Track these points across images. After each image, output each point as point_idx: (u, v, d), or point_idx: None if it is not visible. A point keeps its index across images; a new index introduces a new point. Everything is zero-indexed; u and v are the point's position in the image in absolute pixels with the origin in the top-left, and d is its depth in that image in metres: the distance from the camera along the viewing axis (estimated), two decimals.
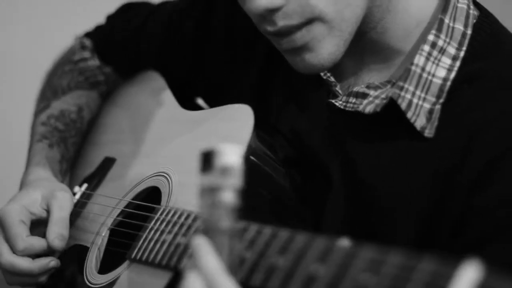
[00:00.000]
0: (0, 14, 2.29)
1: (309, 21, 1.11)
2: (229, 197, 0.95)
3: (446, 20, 1.17)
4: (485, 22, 1.19)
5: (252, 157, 1.18)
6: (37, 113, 1.59)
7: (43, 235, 1.35)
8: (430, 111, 1.15)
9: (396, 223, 1.15)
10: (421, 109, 1.15)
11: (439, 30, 1.17)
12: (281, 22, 1.12)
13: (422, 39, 1.18)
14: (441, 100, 1.15)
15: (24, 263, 1.33)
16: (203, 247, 0.95)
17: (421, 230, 1.13)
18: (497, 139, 1.10)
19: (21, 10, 2.30)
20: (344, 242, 0.90)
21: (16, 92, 1.94)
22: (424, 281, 0.79)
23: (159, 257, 1.16)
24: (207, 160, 0.98)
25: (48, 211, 1.37)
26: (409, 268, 0.81)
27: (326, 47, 1.14)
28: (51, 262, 1.34)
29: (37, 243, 1.34)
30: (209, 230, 0.97)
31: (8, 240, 1.34)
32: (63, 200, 1.37)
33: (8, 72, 2.23)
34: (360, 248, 0.87)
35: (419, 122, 1.14)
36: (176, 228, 1.17)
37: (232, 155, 0.96)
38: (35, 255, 1.35)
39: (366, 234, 1.16)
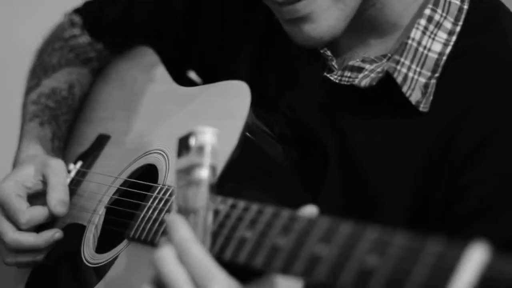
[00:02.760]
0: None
1: None
2: (205, 174, 0.99)
3: None
4: None
5: (249, 134, 1.17)
6: (28, 91, 1.57)
7: (43, 205, 1.34)
8: (426, 86, 1.15)
9: (390, 197, 1.15)
10: (417, 83, 1.15)
11: (436, 4, 1.17)
12: None
13: (419, 13, 1.18)
14: (437, 75, 1.15)
15: (30, 238, 1.32)
16: (177, 221, 0.99)
17: (414, 204, 1.13)
18: (489, 116, 1.10)
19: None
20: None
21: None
22: (431, 263, 0.79)
23: (157, 236, 1.15)
24: (184, 143, 1.02)
25: (44, 182, 1.36)
26: (416, 249, 0.81)
27: (327, 19, 1.13)
28: (56, 233, 1.34)
29: (39, 212, 1.33)
30: (185, 208, 1.00)
31: (10, 217, 1.33)
32: (57, 167, 1.36)
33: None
34: (365, 229, 0.87)
35: (414, 97, 1.14)
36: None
37: (207, 135, 0.99)
38: (38, 228, 1.34)
39: (361, 210, 1.17)
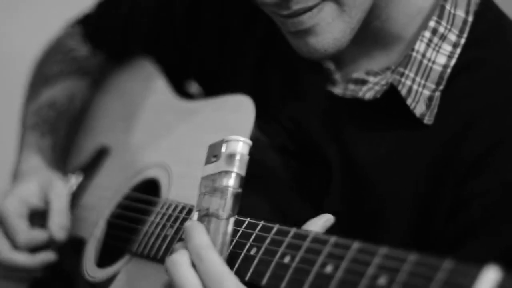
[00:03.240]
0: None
1: None
2: (232, 182, 0.98)
3: (447, 7, 1.16)
4: (487, 9, 1.18)
5: (252, 149, 1.16)
6: (28, 102, 1.57)
7: (42, 226, 1.33)
8: (430, 98, 1.14)
9: (394, 210, 1.14)
10: (421, 95, 1.14)
11: (440, 16, 1.16)
12: (296, 6, 1.10)
13: (423, 25, 1.17)
14: (441, 87, 1.15)
15: (25, 259, 1.32)
16: (196, 228, 0.98)
17: (417, 218, 1.13)
18: (493, 126, 1.10)
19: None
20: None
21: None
22: (445, 280, 0.79)
23: (160, 252, 1.14)
24: (214, 151, 1.01)
25: (46, 202, 1.35)
26: (430, 267, 0.80)
27: (332, 32, 1.12)
28: (51, 256, 1.33)
29: (39, 235, 1.33)
30: (206, 216, 0.99)
31: (8, 235, 1.32)
32: (61, 190, 1.36)
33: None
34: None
35: (419, 109, 1.14)
36: (178, 223, 1.15)
37: (240, 143, 0.99)
38: (35, 249, 1.33)
39: (364, 221, 1.17)
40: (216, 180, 0.99)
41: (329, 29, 1.12)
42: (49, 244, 1.34)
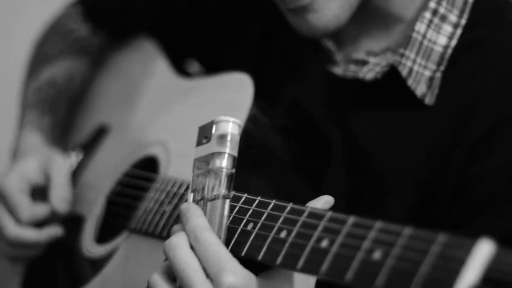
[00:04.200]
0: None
1: None
2: (225, 163, 0.98)
3: None
4: None
5: (250, 127, 1.16)
6: (28, 80, 1.57)
7: (45, 201, 1.34)
8: (431, 79, 1.14)
9: (395, 191, 1.15)
10: (422, 76, 1.14)
11: None
12: None
13: (424, 6, 1.17)
14: (442, 68, 1.15)
15: (31, 234, 1.32)
16: (192, 210, 0.97)
17: (419, 198, 1.13)
18: (495, 108, 1.10)
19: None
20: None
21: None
22: (439, 253, 0.79)
23: (159, 228, 1.15)
24: (204, 132, 1.01)
25: (47, 177, 1.36)
26: (424, 240, 0.81)
27: (332, 8, 1.13)
28: (58, 230, 1.33)
29: (41, 209, 1.33)
30: (201, 198, 0.99)
31: (11, 211, 1.32)
32: (61, 163, 1.36)
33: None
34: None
35: (420, 90, 1.14)
36: (176, 199, 1.16)
37: (230, 123, 0.99)
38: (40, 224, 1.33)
39: (366, 203, 1.17)
40: (209, 162, 0.99)
41: (328, 6, 1.12)
42: (52, 218, 1.34)
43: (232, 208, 1.00)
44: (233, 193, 1.01)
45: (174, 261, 0.95)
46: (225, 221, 0.98)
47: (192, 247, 0.95)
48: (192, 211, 0.98)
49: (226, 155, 0.98)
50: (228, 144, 0.98)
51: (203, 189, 1.00)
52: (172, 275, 0.97)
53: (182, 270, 0.93)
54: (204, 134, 1.01)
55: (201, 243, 0.94)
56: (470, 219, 1.07)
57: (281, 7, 1.17)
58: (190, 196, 1.02)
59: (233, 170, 0.99)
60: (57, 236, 1.33)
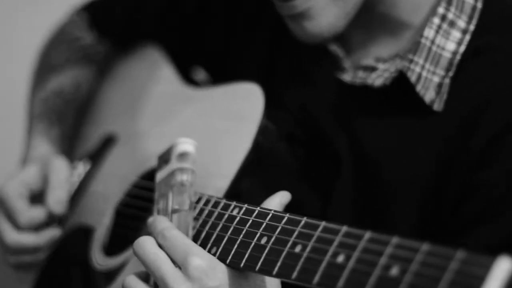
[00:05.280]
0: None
1: None
2: (188, 177, 1.06)
3: None
4: None
5: (262, 137, 1.16)
6: (34, 90, 1.56)
7: (42, 204, 1.34)
8: (439, 85, 1.14)
9: (402, 198, 1.14)
10: (430, 82, 1.14)
11: (449, 3, 1.16)
12: None
13: (432, 12, 1.17)
14: (450, 74, 1.15)
15: (30, 238, 1.32)
16: (158, 219, 1.05)
17: (426, 206, 1.13)
18: (502, 114, 1.10)
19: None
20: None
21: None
22: (458, 270, 0.79)
23: None
24: (163, 158, 1.10)
25: (45, 180, 1.36)
26: (443, 257, 0.80)
27: (326, 16, 1.14)
28: (56, 232, 1.34)
29: (39, 212, 1.33)
30: (166, 212, 1.06)
31: (10, 217, 1.33)
32: (58, 165, 1.36)
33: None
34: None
35: (428, 96, 1.14)
36: None
37: (189, 144, 1.07)
38: (39, 228, 1.33)
39: (374, 209, 1.17)
40: (171, 179, 1.06)
41: (323, 14, 1.14)
42: (51, 221, 1.34)
43: (245, 221, 1.00)
44: (194, 204, 1.07)
45: (144, 256, 1.00)
46: (190, 233, 1.04)
47: (160, 246, 1.01)
48: (159, 220, 1.04)
49: (188, 170, 1.06)
50: (189, 159, 1.06)
51: (167, 206, 1.06)
52: (145, 278, 1.03)
53: (152, 262, 0.99)
54: (164, 159, 1.10)
55: (168, 239, 1.00)
56: (475, 226, 1.07)
57: (281, 13, 1.18)
58: (155, 213, 1.09)
59: (194, 183, 1.06)
60: (56, 237, 1.33)
